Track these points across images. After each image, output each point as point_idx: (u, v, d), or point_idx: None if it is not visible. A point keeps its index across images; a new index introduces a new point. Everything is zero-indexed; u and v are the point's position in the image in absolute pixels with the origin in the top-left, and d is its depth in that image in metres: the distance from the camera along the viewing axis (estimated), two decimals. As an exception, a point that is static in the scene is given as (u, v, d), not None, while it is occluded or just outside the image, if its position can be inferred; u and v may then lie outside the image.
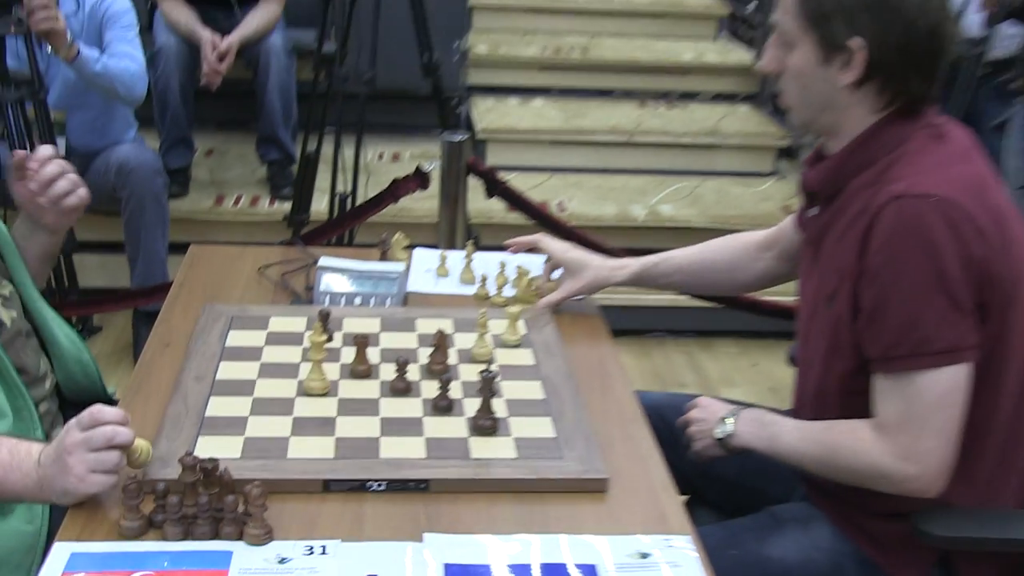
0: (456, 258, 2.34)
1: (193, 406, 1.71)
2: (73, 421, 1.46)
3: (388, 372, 1.81)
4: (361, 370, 1.83)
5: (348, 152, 3.87)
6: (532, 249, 2.31)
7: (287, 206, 4.14)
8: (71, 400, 2.01)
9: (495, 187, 3.28)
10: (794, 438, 1.83)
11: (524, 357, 1.95)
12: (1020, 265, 1.70)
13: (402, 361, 1.80)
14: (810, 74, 1.76)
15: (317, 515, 1.50)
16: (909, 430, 1.68)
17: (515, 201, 3.34)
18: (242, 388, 1.78)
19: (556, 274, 2.23)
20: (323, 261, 2.20)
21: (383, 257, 2.32)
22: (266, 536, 1.41)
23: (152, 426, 1.64)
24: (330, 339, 1.89)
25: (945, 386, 1.65)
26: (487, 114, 5.07)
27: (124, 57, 3.60)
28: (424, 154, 4.77)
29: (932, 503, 1.74)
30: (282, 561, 1.38)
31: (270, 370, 1.85)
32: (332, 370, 1.83)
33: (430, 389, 1.78)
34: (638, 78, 5.53)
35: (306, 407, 1.74)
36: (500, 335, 1.99)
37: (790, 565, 1.83)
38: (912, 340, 1.65)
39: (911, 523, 1.72)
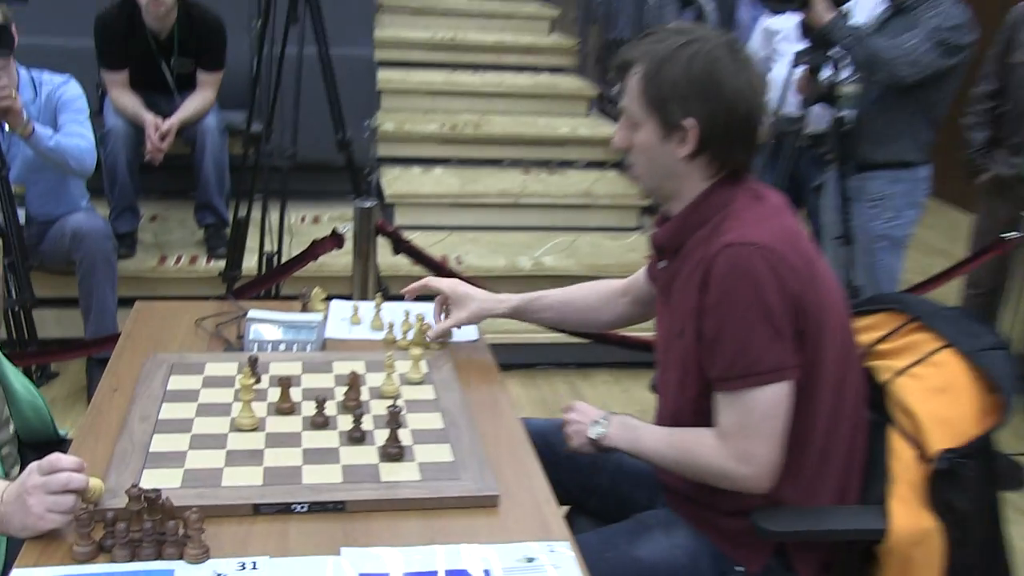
0: (367, 308, 2.34)
1: (138, 443, 1.69)
2: (34, 465, 1.43)
3: (309, 409, 1.81)
4: (285, 408, 1.82)
5: (274, 216, 3.86)
6: (424, 295, 2.31)
7: (222, 264, 4.10)
8: (26, 442, 1.97)
9: (400, 245, 3.30)
10: (653, 441, 1.87)
11: (426, 392, 1.95)
12: (826, 298, 1.79)
13: (321, 399, 1.80)
14: (654, 149, 1.81)
15: (248, 535, 1.48)
16: (743, 437, 1.74)
17: (417, 256, 3.36)
18: (181, 426, 1.76)
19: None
20: (252, 313, 2.19)
21: (304, 308, 2.32)
22: (203, 555, 1.39)
23: (103, 461, 1.62)
24: (258, 381, 1.89)
25: (771, 401, 1.72)
26: (394, 182, 5.09)
27: (75, 136, 3.59)
28: (340, 217, 4.77)
29: (766, 503, 1.80)
30: (218, 576, 1.37)
31: (206, 410, 1.83)
32: (260, 408, 1.82)
33: (345, 423, 1.77)
34: (523, 149, 5.58)
35: (237, 441, 1.72)
36: (405, 374, 1.99)
37: (656, 562, 1.85)
38: (743, 363, 1.71)
39: (751, 521, 1.77)
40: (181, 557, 1.39)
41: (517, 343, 3.83)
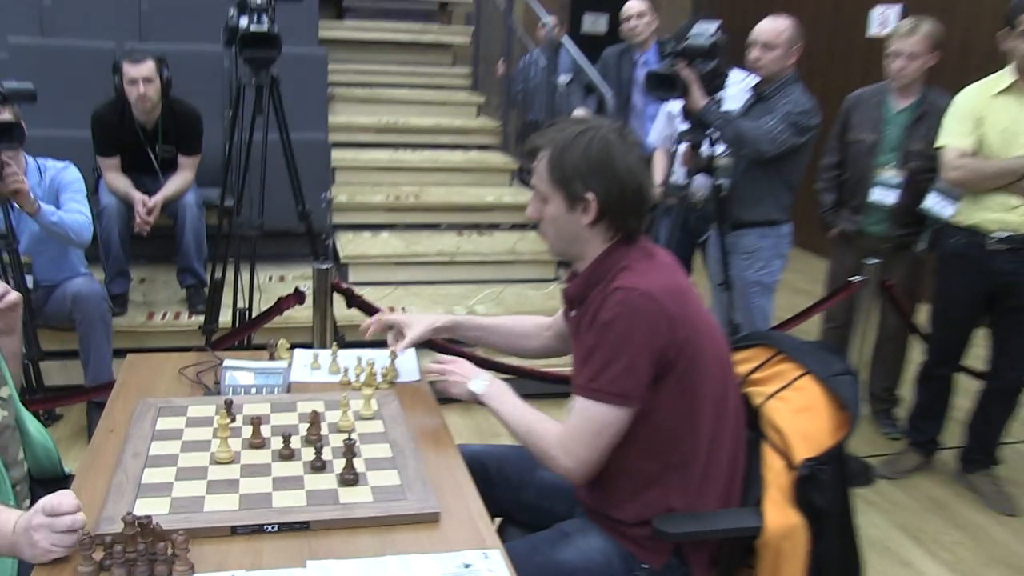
0: (325, 355, 2.33)
1: (132, 476, 1.67)
2: (40, 505, 1.41)
3: (277, 443, 1.80)
4: (257, 443, 1.81)
5: (245, 277, 3.83)
6: (376, 340, 2.30)
7: (201, 319, 4.07)
8: (37, 479, 1.94)
9: (352, 300, 3.30)
10: (515, 411, 1.95)
11: (376, 426, 1.95)
12: (703, 338, 1.83)
13: (287, 434, 1.79)
14: (561, 218, 1.85)
15: (227, 553, 1.48)
16: (576, 438, 1.80)
17: (368, 309, 3.36)
18: (168, 461, 1.75)
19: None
20: (227, 362, 2.18)
21: (271, 357, 2.31)
22: (189, 572, 1.39)
23: (101, 493, 1.61)
24: (233, 420, 1.88)
25: (607, 418, 1.78)
26: (348, 245, 5.08)
27: (75, 212, 3.59)
28: (302, 276, 4.75)
29: (664, 510, 1.83)
30: (201, 589, 1.36)
31: (189, 446, 1.81)
32: (235, 443, 1.81)
33: (308, 454, 1.77)
34: (456, 215, 5.61)
35: (216, 472, 1.71)
36: (358, 411, 1.99)
37: (575, 564, 1.87)
38: (599, 381, 1.76)
39: (653, 526, 1.80)
40: (170, 574, 1.39)
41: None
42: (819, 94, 4.53)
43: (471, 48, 7.37)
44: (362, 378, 2.19)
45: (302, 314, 3.34)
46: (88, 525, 1.43)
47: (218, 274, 3.92)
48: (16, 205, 3.40)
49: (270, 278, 4.87)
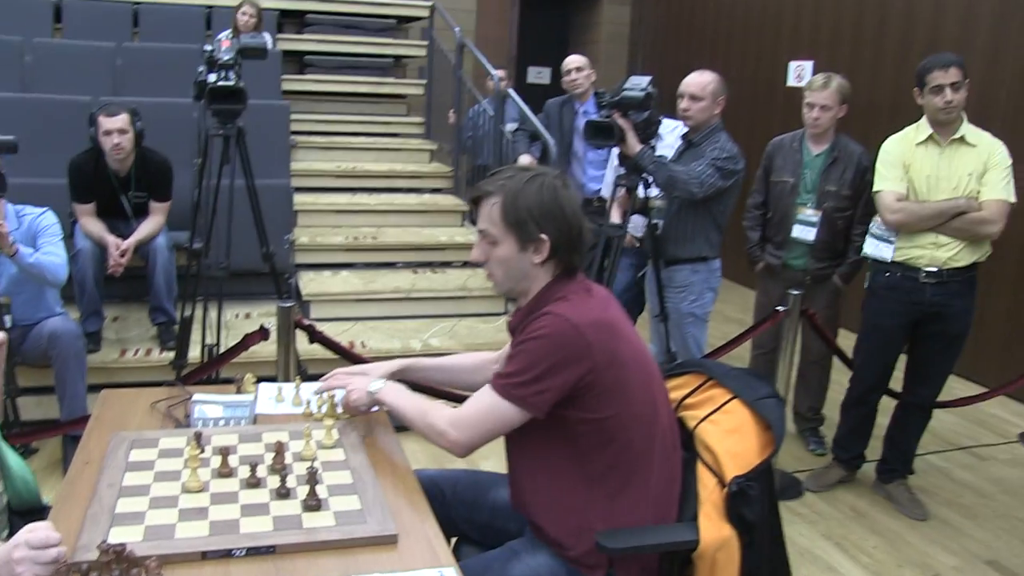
0: (289, 388, 2.32)
1: (106, 506, 1.65)
2: (24, 539, 1.37)
3: (244, 472, 1.79)
4: (225, 472, 1.80)
5: (213, 315, 3.81)
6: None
7: (172, 355, 4.02)
8: (15, 509, 1.91)
9: (314, 336, 3.28)
10: (408, 401, 2.01)
11: (338, 455, 1.95)
12: (628, 368, 1.86)
13: (253, 464, 1.78)
14: (513, 258, 1.88)
15: (198, 577, 1.47)
16: (467, 415, 1.88)
17: (328, 344, 3.35)
18: (141, 491, 1.73)
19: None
20: (196, 396, 2.16)
21: (238, 390, 2.29)
22: (161, 596, 1.38)
23: (77, 523, 1.59)
24: (202, 451, 1.87)
25: (500, 409, 1.84)
26: (310, 283, 5.06)
27: (51, 254, 3.54)
28: (267, 313, 4.70)
29: (605, 526, 1.85)
30: (173, 613, 1.35)
31: (161, 476, 1.79)
32: (205, 473, 1.80)
33: (273, 482, 1.76)
34: (411, 254, 5.60)
35: (187, 501, 1.70)
36: (320, 440, 1.99)
37: None
38: (508, 379, 1.83)
39: (594, 541, 1.81)
40: (143, 599, 1.37)
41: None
42: (745, 139, 4.63)
43: (424, 99, 7.42)
44: (323, 409, 2.18)
45: (267, 349, 3.31)
46: (66, 553, 1.40)
47: (187, 312, 3.89)
48: None
49: (237, 315, 4.82)
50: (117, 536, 1.54)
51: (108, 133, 4.03)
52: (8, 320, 3.43)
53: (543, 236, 1.85)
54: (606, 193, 4.38)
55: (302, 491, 1.72)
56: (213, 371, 3.53)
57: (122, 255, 4.06)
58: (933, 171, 3.29)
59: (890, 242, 3.38)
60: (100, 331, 4.26)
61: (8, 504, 1.88)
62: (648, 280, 3.73)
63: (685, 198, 3.55)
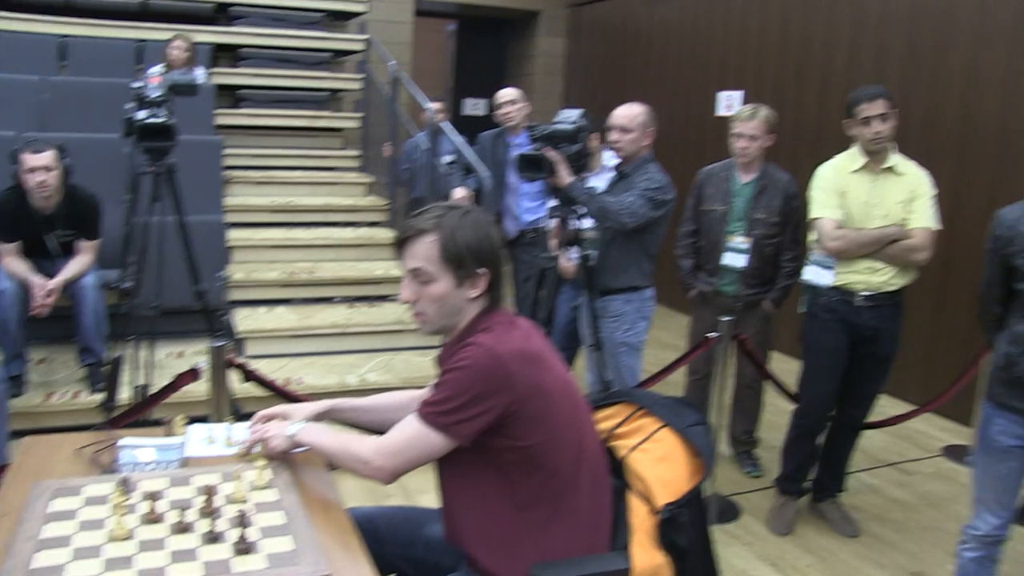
0: (221, 429, 2.29)
1: (21, 561, 1.60)
2: None
3: (173, 517, 1.75)
4: (152, 518, 1.76)
5: (145, 355, 3.75)
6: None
7: (101, 397, 3.94)
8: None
9: (247, 375, 3.25)
10: (329, 439, 2.01)
11: (271, 495, 1.92)
12: (550, 402, 1.87)
13: (182, 508, 1.76)
14: (449, 295, 1.90)
15: (122, 628, 1.44)
16: (391, 443, 1.89)
17: (262, 382, 3.32)
18: (62, 542, 1.68)
19: None
20: (124, 440, 2.12)
21: (168, 433, 2.26)
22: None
23: (-7, 579, 1.54)
24: (129, 497, 1.83)
25: (424, 437, 1.86)
26: (245, 320, 5.01)
27: None
28: (201, 351, 4.63)
29: (539, 556, 1.86)
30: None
31: (86, 525, 1.75)
32: (132, 520, 1.75)
33: (203, 526, 1.73)
34: (348, 288, 5.58)
35: (112, 550, 1.65)
36: (253, 481, 1.96)
37: None
38: (433, 407, 1.85)
39: (528, 572, 1.83)
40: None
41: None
42: (678, 168, 4.72)
43: (360, 132, 7.42)
44: (256, 449, 2.15)
45: (200, 389, 3.27)
46: None
47: (118, 352, 3.83)
48: None
49: (170, 354, 4.75)
50: (38, 589, 1.50)
51: (32, 171, 3.96)
52: None
53: (480, 271, 1.89)
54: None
55: (233, 534, 1.70)
56: (143, 413, 3.46)
57: (47, 296, 3.98)
58: (867, 199, 3.38)
59: (831, 268, 3.44)
60: (24, 374, 4.16)
61: None
62: (582, 311, 3.76)
63: (617, 229, 3.59)
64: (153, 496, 1.80)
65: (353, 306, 5.44)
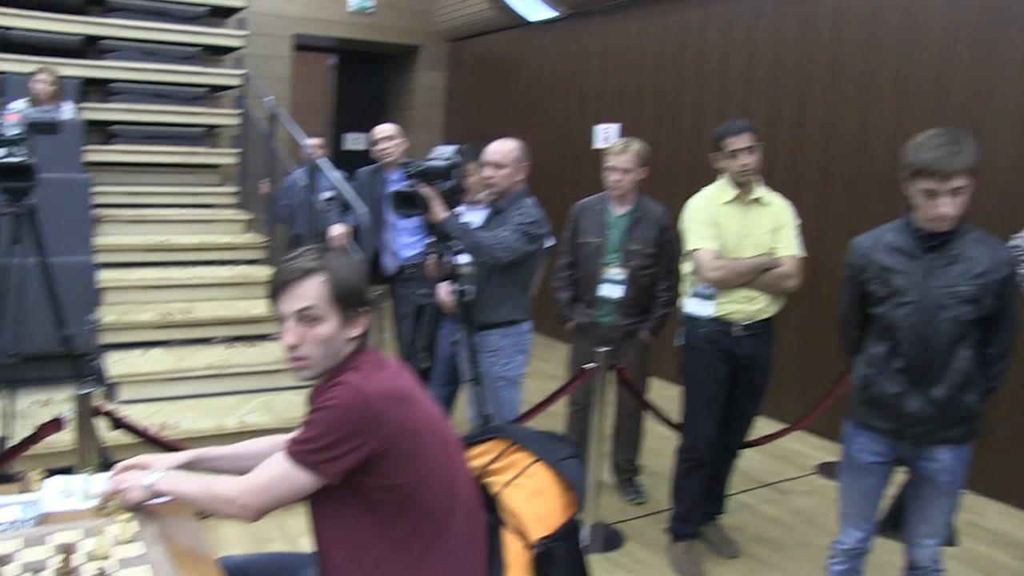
0: (79, 481, 2.20)
1: None
2: None
3: (25, 580, 1.68)
4: (3, 583, 1.69)
5: (3, 404, 3.58)
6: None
7: (-44, 451, 3.74)
8: None
9: (116, 423, 3.14)
10: (192, 484, 1.96)
11: (136, 549, 1.86)
12: (419, 440, 1.88)
13: (36, 570, 1.69)
14: (335, 335, 1.91)
15: None
16: (257, 481, 1.88)
17: (132, 429, 3.21)
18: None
19: None
20: (-28, 500, 2.03)
21: (23, 489, 2.15)
22: None
23: None
24: (-24, 564, 1.75)
25: (290, 475, 1.85)
26: (117, 364, 4.83)
27: None
28: (69, 398, 4.46)
29: None
30: None
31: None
32: (-21, 586, 1.68)
33: (59, 587, 1.67)
34: (226, 328, 5.44)
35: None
36: (117, 536, 1.90)
37: None
38: (300, 444, 1.84)
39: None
40: None
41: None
42: (557, 200, 4.80)
43: (238, 168, 7.30)
44: (113, 503, 2.08)
45: (66, 439, 3.13)
46: None
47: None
48: None
49: (35, 402, 4.53)
50: None
51: None
52: None
53: (362, 311, 1.92)
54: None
55: (92, 594, 1.64)
56: (3, 467, 3.30)
57: None
58: (740, 229, 3.50)
59: (712, 299, 3.50)
60: None
61: None
62: (460, 346, 3.77)
63: (492, 263, 3.62)
64: (2, 560, 1.72)
65: (231, 346, 5.32)
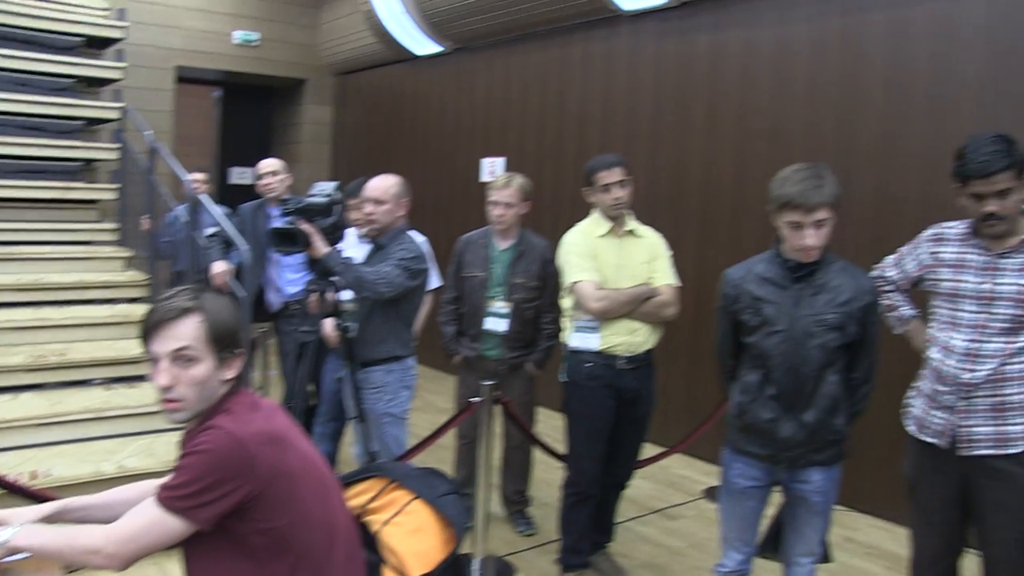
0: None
1: None
2: None
3: None
4: None
5: None
6: None
7: None
8: None
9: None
10: (51, 537, 1.84)
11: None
12: (293, 481, 1.86)
13: None
14: (211, 377, 1.88)
15: None
16: (124, 529, 1.81)
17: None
18: None
19: None
20: None
21: None
22: None
23: None
24: None
25: (160, 522, 1.80)
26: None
27: None
28: (-70, 449, 4.24)
29: None
30: None
31: None
32: None
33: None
34: (105, 369, 5.23)
35: None
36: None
37: None
38: (170, 490, 1.80)
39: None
40: None
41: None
42: (444, 233, 4.82)
43: (118, 204, 7.08)
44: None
45: (-77, 493, 2.98)
46: None
47: None
48: None
49: None
50: None
51: None
52: None
53: (237, 352, 1.90)
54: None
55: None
56: None
57: None
58: (618, 260, 3.57)
59: (595, 331, 3.53)
60: None
61: None
62: (344, 383, 3.74)
63: (374, 298, 3.61)
64: None
65: (110, 388, 5.13)
